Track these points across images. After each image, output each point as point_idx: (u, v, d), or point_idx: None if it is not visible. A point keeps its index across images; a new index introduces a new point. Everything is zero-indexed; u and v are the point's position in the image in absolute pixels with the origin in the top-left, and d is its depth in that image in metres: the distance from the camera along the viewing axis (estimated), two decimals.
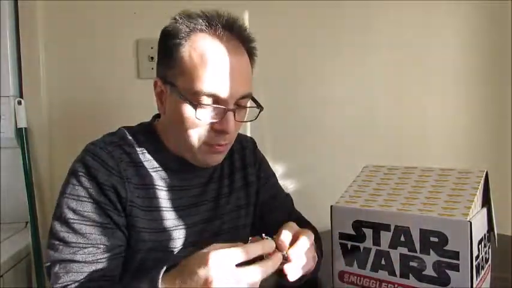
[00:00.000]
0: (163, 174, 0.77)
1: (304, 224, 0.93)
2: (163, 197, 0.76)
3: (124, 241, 0.72)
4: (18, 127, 1.32)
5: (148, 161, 0.76)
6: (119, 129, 0.79)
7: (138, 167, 0.74)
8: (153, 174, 0.76)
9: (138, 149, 0.76)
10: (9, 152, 1.35)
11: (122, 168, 0.72)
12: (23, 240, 1.29)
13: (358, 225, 0.72)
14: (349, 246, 0.74)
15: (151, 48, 1.32)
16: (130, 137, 0.77)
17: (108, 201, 0.70)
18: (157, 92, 0.76)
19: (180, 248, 0.77)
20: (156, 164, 0.76)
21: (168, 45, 0.71)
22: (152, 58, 1.34)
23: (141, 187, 0.74)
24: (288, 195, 0.98)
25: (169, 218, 0.76)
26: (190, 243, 0.78)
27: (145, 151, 0.76)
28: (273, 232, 0.64)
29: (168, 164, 0.77)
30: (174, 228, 0.76)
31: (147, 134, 0.79)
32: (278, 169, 1.37)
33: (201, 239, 0.78)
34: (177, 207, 0.77)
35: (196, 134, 0.71)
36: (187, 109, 0.69)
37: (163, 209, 0.76)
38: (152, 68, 1.33)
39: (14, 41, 1.33)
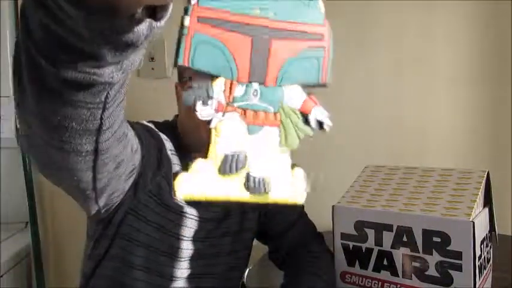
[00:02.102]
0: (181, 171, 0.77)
1: (315, 240, 0.90)
2: None
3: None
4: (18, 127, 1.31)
5: (172, 156, 0.77)
6: (149, 122, 0.80)
7: (168, 157, 0.76)
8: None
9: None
10: (9, 152, 1.35)
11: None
12: (23, 240, 1.29)
13: (360, 225, 0.72)
14: (351, 246, 0.74)
15: (152, 48, 1.32)
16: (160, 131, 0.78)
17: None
18: (177, 94, 0.81)
19: (188, 238, 0.76)
20: (175, 161, 0.77)
21: None
22: (152, 58, 1.34)
23: (165, 176, 0.74)
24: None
25: (183, 210, 0.75)
26: (198, 238, 0.77)
27: (171, 146, 0.78)
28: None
29: (183, 163, 0.77)
30: (188, 218, 0.76)
31: (171, 130, 0.80)
32: None
33: (209, 237, 0.79)
34: (189, 204, 0.76)
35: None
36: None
37: (178, 202, 0.75)
38: (152, 68, 1.33)
39: (14, 41, 1.33)
